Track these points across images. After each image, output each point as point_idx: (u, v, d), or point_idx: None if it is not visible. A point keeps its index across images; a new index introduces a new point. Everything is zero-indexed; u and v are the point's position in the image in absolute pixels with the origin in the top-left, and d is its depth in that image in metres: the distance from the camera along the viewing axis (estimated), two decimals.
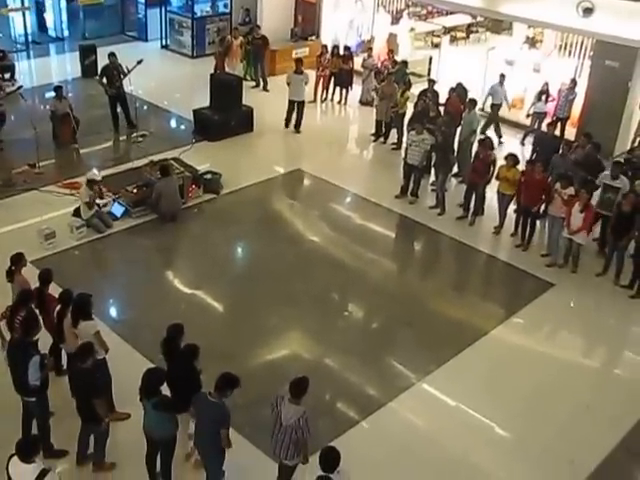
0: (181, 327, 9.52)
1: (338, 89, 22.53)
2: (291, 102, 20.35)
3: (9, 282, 10.82)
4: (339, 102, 22.59)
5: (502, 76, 20.23)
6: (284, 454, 8.71)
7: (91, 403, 9.05)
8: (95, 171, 15.23)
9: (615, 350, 13.07)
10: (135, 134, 19.31)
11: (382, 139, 20.13)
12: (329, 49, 22.59)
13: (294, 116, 20.46)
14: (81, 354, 9.10)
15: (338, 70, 22.06)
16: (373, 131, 20.36)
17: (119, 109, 19.63)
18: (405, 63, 21.35)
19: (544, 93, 19.80)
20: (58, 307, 10.23)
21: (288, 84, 20.28)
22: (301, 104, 20.32)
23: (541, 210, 14.99)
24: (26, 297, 10.11)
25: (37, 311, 10.06)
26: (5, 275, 10.87)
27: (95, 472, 9.64)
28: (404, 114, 19.21)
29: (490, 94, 20.53)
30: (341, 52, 22.53)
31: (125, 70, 19.19)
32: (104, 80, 19.37)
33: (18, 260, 10.89)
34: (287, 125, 20.63)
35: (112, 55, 19.43)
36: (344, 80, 22.20)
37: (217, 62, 22.77)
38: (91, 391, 9.07)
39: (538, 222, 15.32)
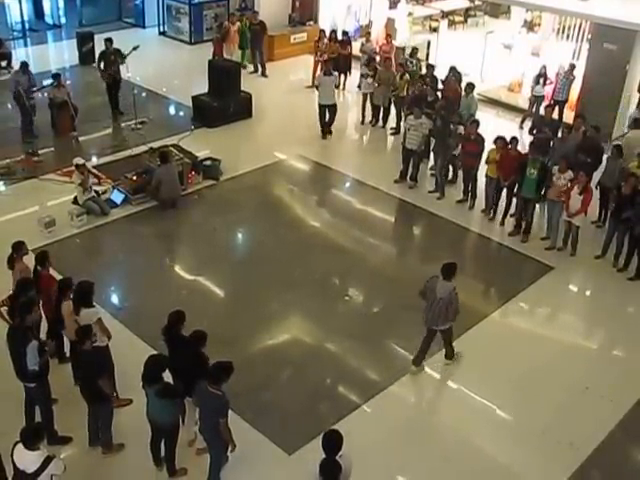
0: (182, 314, 9.54)
1: (336, 74, 22.47)
2: (321, 106, 19.16)
3: (10, 269, 10.84)
4: (337, 87, 22.51)
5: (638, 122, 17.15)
6: (438, 322, 11.00)
7: (95, 383, 9.12)
8: (78, 158, 15.19)
9: (614, 332, 13.09)
10: (134, 121, 19.23)
11: (381, 124, 20.13)
12: (327, 34, 22.51)
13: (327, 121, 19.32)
14: (79, 337, 9.18)
15: (336, 55, 22.01)
16: (369, 118, 20.43)
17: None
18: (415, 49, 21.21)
19: (542, 76, 19.77)
20: (56, 294, 10.27)
21: (317, 87, 19.36)
22: (332, 107, 19.15)
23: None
24: (25, 285, 10.13)
25: (36, 296, 10.11)
26: (7, 262, 10.88)
27: (104, 454, 9.72)
28: (404, 97, 19.16)
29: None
30: (339, 37, 22.48)
31: (122, 55, 19.22)
32: (102, 66, 19.36)
33: (19, 248, 10.90)
34: (325, 136, 19.42)
35: (108, 40, 19.37)
36: (342, 65, 22.13)
37: (215, 48, 22.74)
38: (94, 371, 9.14)
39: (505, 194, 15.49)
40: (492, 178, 15.44)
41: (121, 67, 19.36)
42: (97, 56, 19.88)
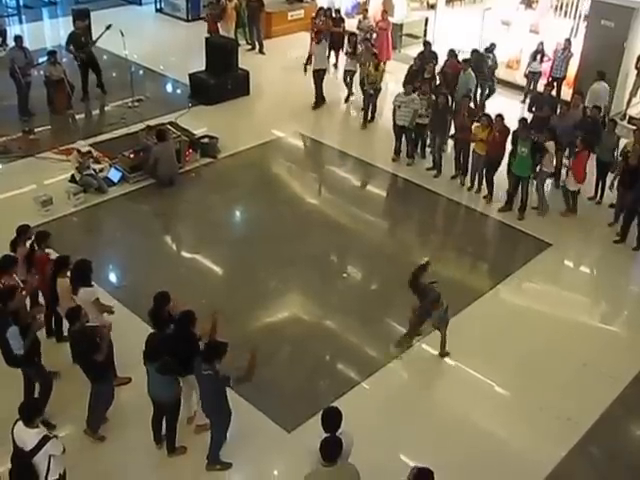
0: (167, 295, 9.47)
1: (333, 52, 22.28)
2: (315, 72, 19.50)
3: (12, 252, 10.64)
4: (334, 65, 22.38)
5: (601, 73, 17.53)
6: None
7: (91, 360, 9.05)
8: (82, 142, 15.10)
9: (612, 308, 13.16)
10: (131, 99, 19.09)
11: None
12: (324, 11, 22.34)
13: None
14: (69, 318, 9.14)
15: (330, 33, 21.81)
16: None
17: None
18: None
19: (539, 53, 19.68)
20: (51, 271, 10.22)
21: (310, 56, 19.56)
22: (323, 72, 19.62)
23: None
24: (7, 263, 10.03)
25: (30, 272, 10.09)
26: (9, 245, 10.72)
27: (86, 433, 9.61)
28: (379, 90, 18.80)
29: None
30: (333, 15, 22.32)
31: (93, 39, 19.17)
32: (72, 48, 19.12)
33: (23, 232, 10.80)
34: (317, 106, 19.79)
35: (78, 20, 19.21)
36: (336, 43, 21.93)
37: (209, 25, 22.53)
38: (87, 349, 9.05)
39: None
40: (480, 155, 15.43)
41: (92, 47, 19.17)
42: (67, 37, 19.53)
